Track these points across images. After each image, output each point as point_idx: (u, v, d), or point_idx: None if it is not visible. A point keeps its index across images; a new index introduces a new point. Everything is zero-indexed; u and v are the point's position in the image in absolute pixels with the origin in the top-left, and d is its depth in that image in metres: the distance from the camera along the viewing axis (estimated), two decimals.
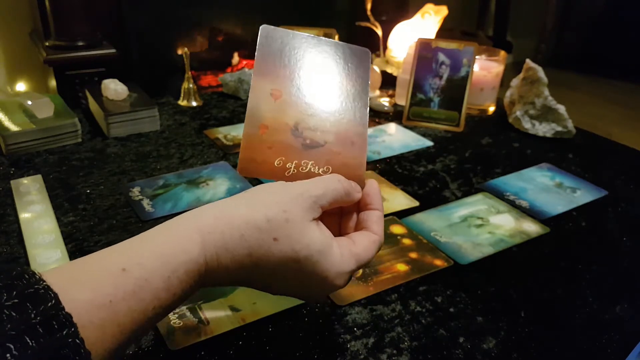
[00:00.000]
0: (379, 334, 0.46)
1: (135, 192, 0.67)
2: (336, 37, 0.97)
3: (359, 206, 0.42)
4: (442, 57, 0.90)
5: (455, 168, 0.77)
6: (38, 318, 0.25)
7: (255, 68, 0.41)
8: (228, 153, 0.79)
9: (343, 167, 0.41)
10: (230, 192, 0.67)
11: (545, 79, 0.88)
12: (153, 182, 0.69)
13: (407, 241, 0.59)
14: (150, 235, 0.34)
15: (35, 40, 1.50)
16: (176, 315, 0.46)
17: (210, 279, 0.35)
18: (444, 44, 0.90)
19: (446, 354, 0.44)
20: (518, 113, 0.90)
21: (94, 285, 0.29)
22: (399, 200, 0.68)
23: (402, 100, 0.96)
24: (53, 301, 0.27)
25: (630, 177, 0.76)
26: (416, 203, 0.67)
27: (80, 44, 1.37)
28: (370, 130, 0.88)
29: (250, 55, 1.81)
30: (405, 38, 1.09)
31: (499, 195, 0.70)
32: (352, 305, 0.49)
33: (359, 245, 0.39)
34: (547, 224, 0.63)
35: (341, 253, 0.37)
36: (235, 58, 1.83)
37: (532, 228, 0.63)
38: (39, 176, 0.69)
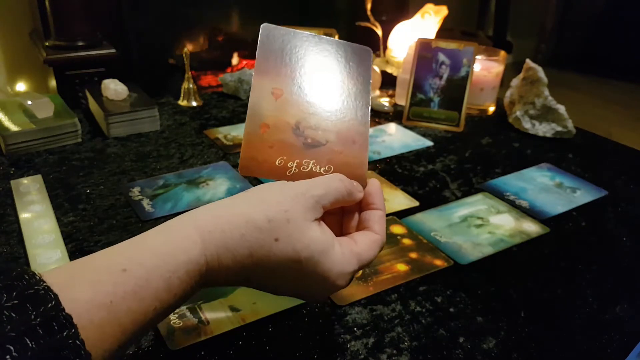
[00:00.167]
0: (379, 334, 0.46)
1: (135, 192, 0.67)
2: (336, 37, 0.97)
3: (361, 206, 0.41)
4: (442, 57, 0.90)
5: (455, 168, 0.77)
6: (38, 319, 0.25)
7: (256, 67, 0.41)
8: (228, 153, 0.79)
9: (345, 167, 0.41)
10: (230, 192, 0.67)
11: (545, 79, 0.88)
12: (153, 182, 0.69)
13: (407, 241, 0.59)
14: (151, 235, 0.34)
15: (35, 40, 1.50)
16: (176, 315, 0.46)
17: (211, 279, 0.35)
18: (444, 44, 0.90)
19: (446, 354, 0.44)
20: (518, 113, 0.90)
21: (94, 285, 0.29)
22: (399, 200, 0.68)
23: (402, 100, 0.96)
24: (53, 302, 0.26)
25: (630, 177, 0.76)
26: (416, 203, 0.67)
27: (80, 44, 1.36)
28: (370, 130, 0.87)
29: (251, 55, 1.81)
30: (405, 38, 1.09)
31: (499, 195, 0.70)
32: (352, 305, 0.49)
33: (361, 245, 0.39)
34: (547, 224, 0.63)
35: (343, 253, 0.37)
36: (235, 58, 1.82)
37: (532, 228, 0.63)
38: (39, 176, 0.69)
